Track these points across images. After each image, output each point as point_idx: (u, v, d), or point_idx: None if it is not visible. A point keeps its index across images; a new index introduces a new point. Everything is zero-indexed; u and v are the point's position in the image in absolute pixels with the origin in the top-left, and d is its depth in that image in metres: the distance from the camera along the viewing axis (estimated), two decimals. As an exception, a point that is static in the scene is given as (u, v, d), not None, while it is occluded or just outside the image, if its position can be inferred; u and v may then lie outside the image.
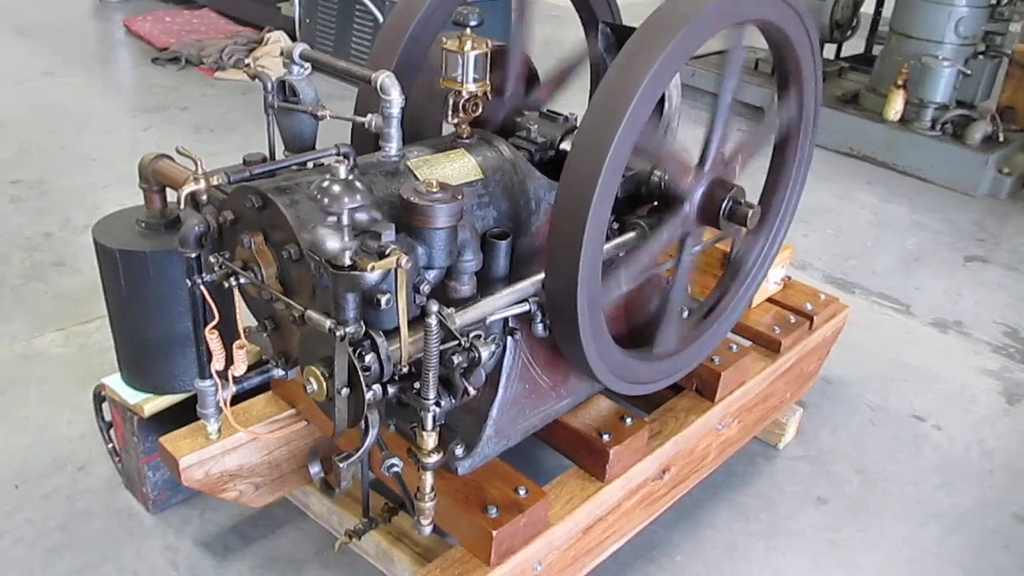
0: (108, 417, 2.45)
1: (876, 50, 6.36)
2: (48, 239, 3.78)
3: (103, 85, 6.00)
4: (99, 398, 2.44)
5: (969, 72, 5.40)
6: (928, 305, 3.86)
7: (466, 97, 1.80)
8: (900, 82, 5.37)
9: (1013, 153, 5.31)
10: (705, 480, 2.55)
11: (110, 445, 2.49)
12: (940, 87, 5.30)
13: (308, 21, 6.38)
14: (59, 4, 7.72)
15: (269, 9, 6.91)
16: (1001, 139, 5.24)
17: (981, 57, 5.55)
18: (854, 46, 6.95)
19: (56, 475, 2.52)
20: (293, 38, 6.41)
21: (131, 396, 2.22)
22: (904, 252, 4.35)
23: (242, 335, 1.65)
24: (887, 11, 6.13)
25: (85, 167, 4.54)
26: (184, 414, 2.16)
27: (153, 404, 2.22)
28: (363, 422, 1.48)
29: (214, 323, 1.63)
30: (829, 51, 6.65)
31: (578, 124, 1.86)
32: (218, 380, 1.72)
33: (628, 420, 2.08)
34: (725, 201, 1.92)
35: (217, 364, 1.67)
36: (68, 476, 2.53)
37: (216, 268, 1.59)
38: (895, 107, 5.41)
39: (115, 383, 2.26)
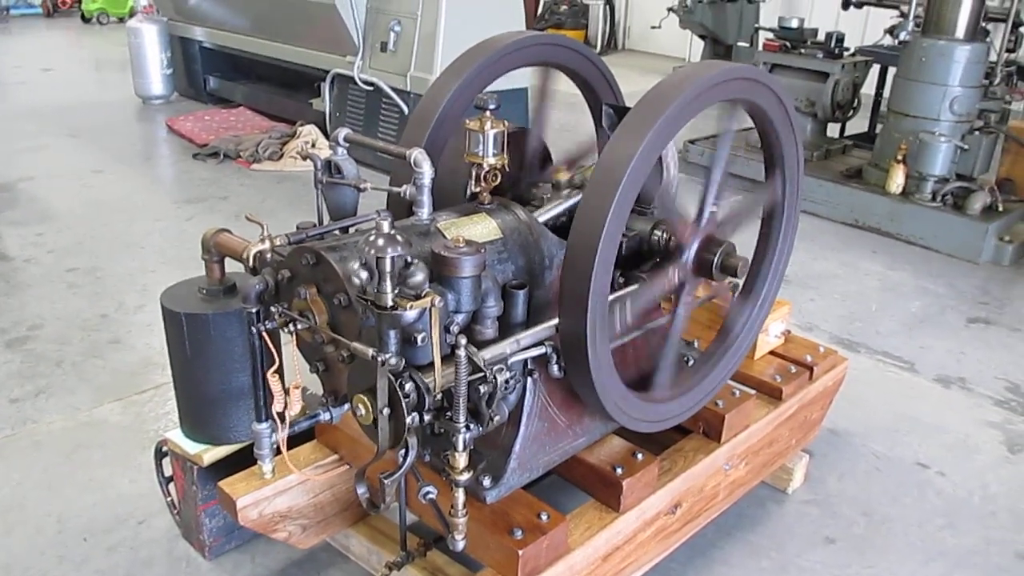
0: (168, 472, 2.69)
1: (879, 129, 6.68)
2: (104, 320, 4.09)
3: (148, 180, 6.43)
4: (160, 454, 2.69)
5: (966, 147, 5.68)
6: (932, 363, 4.05)
7: (487, 169, 2.09)
8: (900, 157, 5.65)
9: (1014, 222, 5.56)
10: (717, 520, 2.75)
11: (169, 499, 2.73)
12: (938, 161, 5.58)
13: (338, 114, 6.81)
14: (106, 108, 8.27)
15: (301, 105, 7.37)
16: (1000, 209, 5.48)
17: (977, 133, 5.83)
18: (858, 125, 7.29)
19: (120, 529, 2.75)
20: (324, 131, 6.82)
21: (191, 447, 2.47)
22: (908, 315, 4.55)
23: (297, 378, 1.91)
24: (887, 92, 6.46)
25: (134, 254, 4.89)
26: (238, 463, 2.41)
27: (211, 454, 2.46)
28: (403, 446, 1.72)
29: (274, 367, 1.88)
30: (833, 130, 6.99)
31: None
32: (276, 420, 1.96)
33: (639, 456, 2.30)
34: (718, 255, 2.17)
35: (277, 405, 1.91)
36: (131, 529, 2.75)
37: (276, 317, 1.85)
38: (896, 181, 5.69)
39: (176, 437, 2.51)
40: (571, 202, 2.32)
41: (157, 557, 2.65)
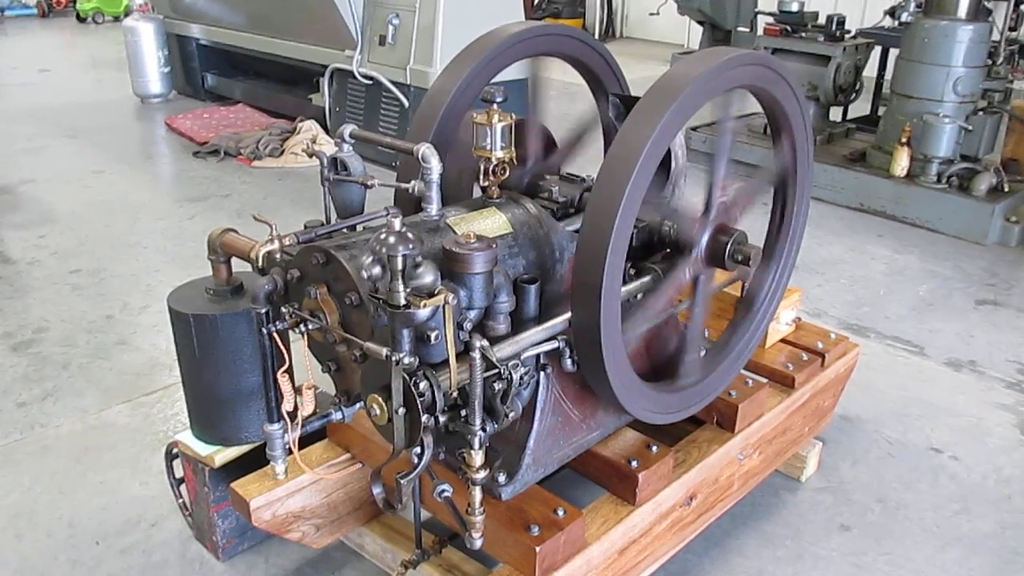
0: (179, 473, 2.68)
1: (881, 111, 6.64)
2: (110, 321, 4.07)
3: (149, 179, 6.40)
4: (171, 455, 2.67)
5: (971, 128, 5.64)
6: (941, 346, 4.02)
7: (495, 163, 2.06)
8: (904, 140, 5.62)
9: (1020, 202, 5.51)
10: (732, 510, 2.73)
11: (180, 500, 2.72)
12: (943, 143, 5.54)
13: (338, 110, 6.77)
14: (104, 108, 8.24)
15: (301, 101, 7.34)
16: (1006, 189, 5.45)
17: (981, 113, 5.79)
18: (860, 108, 7.25)
19: (132, 531, 2.74)
20: (324, 126, 6.79)
21: (202, 449, 2.45)
22: (916, 298, 4.53)
23: (309, 378, 1.89)
24: (889, 74, 6.43)
25: (138, 254, 4.87)
26: (249, 464, 2.40)
27: (223, 455, 2.45)
28: (419, 445, 1.71)
29: (285, 367, 1.86)
30: (836, 114, 6.96)
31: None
32: (287, 420, 1.94)
33: (654, 448, 2.28)
34: (729, 244, 2.15)
35: (287, 405, 1.90)
36: (143, 532, 2.74)
37: (287, 317, 1.84)
38: (901, 163, 5.66)
39: (187, 438, 2.49)
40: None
41: (170, 559, 2.63)
